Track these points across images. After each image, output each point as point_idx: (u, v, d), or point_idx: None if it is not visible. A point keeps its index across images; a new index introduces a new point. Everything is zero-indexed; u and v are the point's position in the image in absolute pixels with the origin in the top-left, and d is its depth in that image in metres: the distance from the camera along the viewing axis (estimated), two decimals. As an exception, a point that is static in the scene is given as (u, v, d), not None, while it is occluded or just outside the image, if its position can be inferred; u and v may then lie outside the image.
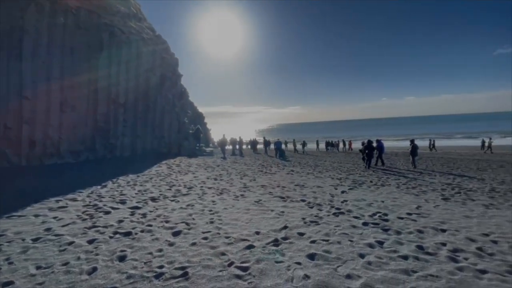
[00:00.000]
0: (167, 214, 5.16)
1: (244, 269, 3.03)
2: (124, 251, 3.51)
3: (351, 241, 3.80)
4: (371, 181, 9.05)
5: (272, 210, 5.31)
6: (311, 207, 5.58)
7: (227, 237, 3.98)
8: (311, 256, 3.30)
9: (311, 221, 4.63)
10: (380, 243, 3.74)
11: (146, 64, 17.36)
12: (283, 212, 5.18)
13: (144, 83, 17.17)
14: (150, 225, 4.51)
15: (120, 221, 4.71)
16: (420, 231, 4.22)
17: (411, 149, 13.46)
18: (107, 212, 5.27)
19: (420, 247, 3.59)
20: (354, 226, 4.44)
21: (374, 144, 13.65)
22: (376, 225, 4.48)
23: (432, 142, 28.50)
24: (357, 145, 28.31)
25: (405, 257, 3.30)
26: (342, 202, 6.10)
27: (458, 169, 12.35)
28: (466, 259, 3.29)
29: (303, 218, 4.78)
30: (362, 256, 3.33)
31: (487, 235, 4.10)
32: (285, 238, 3.89)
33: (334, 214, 5.12)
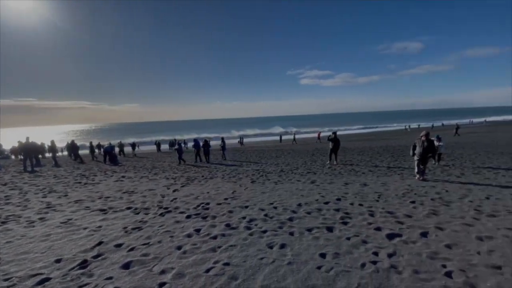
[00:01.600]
0: None
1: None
2: None
3: (171, 237, 4.02)
4: (202, 176, 9.95)
5: (85, 228, 4.50)
6: (137, 213, 5.31)
7: (6, 279, 2.93)
8: (126, 265, 3.16)
9: (134, 228, 4.41)
10: (198, 230, 4.24)
11: None
12: (100, 227, 4.54)
13: None
14: None
15: None
16: (230, 211, 5.20)
17: (222, 145, 17.20)
18: None
19: (227, 225, 4.44)
20: (178, 222, 4.71)
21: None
22: (198, 215, 5.02)
23: (241, 140, 35.56)
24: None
25: (214, 237, 3.95)
26: (171, 200, 6.28)
27: (264, 157, 16.32)
28: (256, 225, 4.45)
29: (125, 228, 4.45)
30: (179, 248, 3.62)
31: (271, 203, 5.76)
32: (97, 256, 3.44)
33: (160, 214, 5.18)
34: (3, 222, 5.04)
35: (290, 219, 4.68)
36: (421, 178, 7.88)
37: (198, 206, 5.72)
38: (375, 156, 14.15)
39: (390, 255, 3.27)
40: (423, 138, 7.83)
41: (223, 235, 4.04)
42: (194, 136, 50.28)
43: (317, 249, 3.47)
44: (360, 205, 5.50)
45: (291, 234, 4.03)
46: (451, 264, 3.02)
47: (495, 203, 5.32)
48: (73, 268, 3.13)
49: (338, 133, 13.19)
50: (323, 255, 3.31)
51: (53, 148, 16.13)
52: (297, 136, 38.72)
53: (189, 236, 4.02)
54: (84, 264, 3.24)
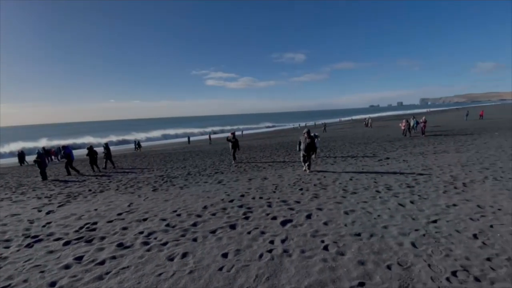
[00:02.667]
0: None
1: None
2: None
3: (42, 272, 3.13)
4: (89, 190, 8.31)
5: None
6: (-18, 253, 3.85)
7: None
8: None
9: (-26, 276, 3.17)
10: (79, 258, 3.48)
11: None
12: None
13: None
14: None
15: None
16: (124, 228, 4.55)
17: (105, 152, 13.89)
18: None
19: (120, 245, 3.85)
20: (51, 252, 3.74)
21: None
22: (80, 240, 4.14)
23: (136, 143, 31.99)
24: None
25: (102, 262, 3.35)
26: (43, 226, 4.92)
27: (170, 161, 15.30)
28: (155, 238, 4.06)
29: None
30: (53, 284, 2.86)
31: (175, 211, 5.42)
32: None
33: (27, 246, 3.97)
34: None
35: (194, 224, 4.54)
36: (307, 171, 8.78)
37: (82, 228, 4.72)
38: (274, 152, 15.74)
39: (283, 241, 3.68)
40: (305, 135, 8.59)
41: (114, 257, 3.48)
42: (69, 142, 41.43)
43: (219, 250, 3.50)
44: (261, 198, 5.96)
45: (195, 240, 3.90)
46: (327, 239, 3.69)
47: (356, 182, 6.90)
48: None
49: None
50: (225, 255, 3.36)
51: None
52: (205, 137, 38.48)
53: (67, 267, 3.24)
54: None
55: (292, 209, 5.08)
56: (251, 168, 10.49)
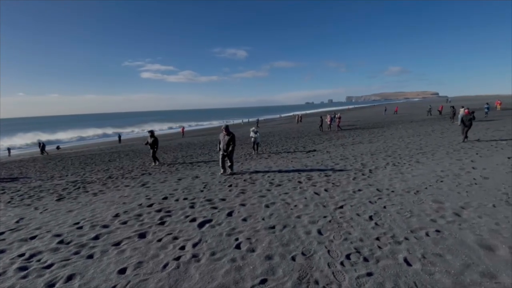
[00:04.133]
0: None
1: None
2: None
3: None
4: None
5: None
6: None
7: None
8: None
9: None
10: None
11: None
12: None
13: None
14: None
15: None
16: (1, 252, 3.61)
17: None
18: None
19: (-19, 277, 3.01)
20: None
21: None
22: None
23: (41, 145, 27.30)
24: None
25: None
26: None
27: (91, 164, 13.37)
28: (38, 260, 3.31)
29: None
30: None
31: (77, 223, 4.61)
32: None
33: None
34: None
35: (96, 238, 3.91)
36: (225, 173, 7.65)
37: None
38: (213, 149, 15.36)
39: (195, 245, 3.44)
40: (224, 132, 7.50)
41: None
42: None
43: (117, 266, 3.04)
44: (185, 199, 5.59)
45: (90, 257, 3.33)
46: (242, 236, 3.61)
47: (283, 175, 7.16)
48: None
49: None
50: (122, 271, 2.93)
51: None
52: (140, 135, 35.09)
53: None
54: None
55: (215, 208, 4.89)
56: (184, 167, 9.94)
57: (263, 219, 4.19)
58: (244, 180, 6.83)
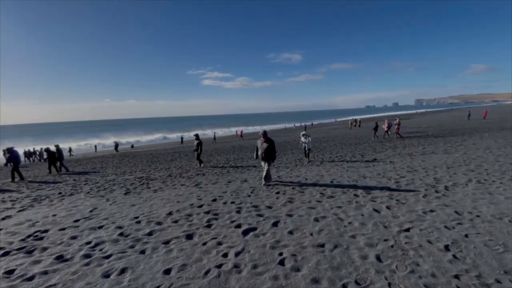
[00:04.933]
0: None
1: None
2: None
3: None
4: (59, 193, 7.90)
5: None
6: None
7: None
8: None
9: None
10: (10, 272, 3.17)
11: None
12: None
13: None
14: None
15: None
16: (73, 238, 4.17)
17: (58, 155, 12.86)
18: None
19: (59, 257, 3.48)
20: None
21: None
22: (21, 250, 3.77)
23: (116, 144, 31.66)
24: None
25: (30, 278, 2.98)
26: (-11, 235, 4.52)
27: (156, 162, 14.89)
28: (101, 250, 3.69)
29: None
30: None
31: (137, 217, 5.04)
32: None
33: None
34: None
35: (150, 234, 4.17)
36: (265, 184, 6.95)
37: (29, 236, 4.33)
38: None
39: (237, 254, 3.33)
40: (262, 138, 6.78)
41: (45, 272, 3.10)
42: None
43: (164, 265, 3.13)
44: (232, 202, 5.60)
45: (142, 252, 3.54)
46: (287, 251, 3.34)
47: (336, 185, 6.58)
48: None
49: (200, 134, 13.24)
50: (167, 271, 3.00)
51: None
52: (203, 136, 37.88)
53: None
54: None
55: (261, 215, 4.73)
56: (235, 170, 10.15)
57: (311, 234, 3.83)
58: (293, 188, 6.51)
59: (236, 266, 3.03)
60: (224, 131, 63.95)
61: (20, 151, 14.96)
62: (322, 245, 3.46)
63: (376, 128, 19.39)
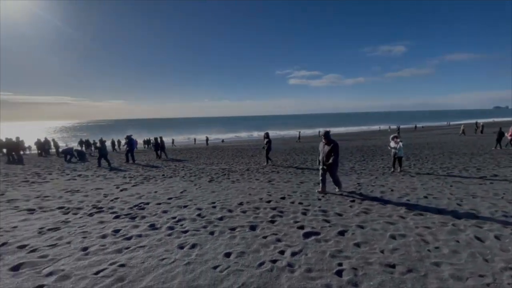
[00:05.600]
0: None
1: None
2: None
3: (85, 237, 3.88)
4: (163, 175, 9.77)
5: None
6: (66, 213, 5.11)
7: None
8: (16, 268, 3.01)
9: (51, 229, 4.23)
10: (116, 231, 4.11)
11: None
12: (15, 227, 4.33)
13: None
14: None
15: None
16: (164, 212, 5.09)
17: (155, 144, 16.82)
18: None
19: (151, 226, 4.33)
20: (102, 222, 4.57)
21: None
22: (127, 216, 4.89)
23: (207, 138, 36.04)
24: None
25: (129, 238, 3.84)
26: (111, 200, 6.10)
27: (238, 157, 16.23)
28: (182, 225, 4.36)
29: (41, 228, 4.26)
30: (85, 249, 3.49)
31: (213, 203, 5.69)
32: (-9, 259, 3.27)
33: (89, 215, 5.00)
34: None
35: (221, 218, 4.63)
36: (323, 192, 6.30)
37: (135, 206, 5.57)
38: (346, 156, 14.34)
39: (294, 254, 3.27)
40: (324, 141, 6.20)
41: (140, 235, 3.93)
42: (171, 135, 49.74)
43: (225, 248, 3.43)
44: (300, 203, 5.52)
45: (212, 233, 3.97)
46: (347, 263, 3.04)
47: (430, 202, 5.46)
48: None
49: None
50: (228, 254, 3.27)
51: (16, 146, 15.46)
52: (279, 134, 38.93)
53: (103, 237, 3.90)
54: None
55: (327, 221, 4.47)
56: (310, 171, 9.90)
57: (381, 251, 3.34)
58: (372, 199, 5.80)
59: (290, 265, 3.00)
60: (307, 132, 63.19)
61: (140, 139, 19.78)
62: (393, 266, 2.97)
63: (500, 136, 15.02)
